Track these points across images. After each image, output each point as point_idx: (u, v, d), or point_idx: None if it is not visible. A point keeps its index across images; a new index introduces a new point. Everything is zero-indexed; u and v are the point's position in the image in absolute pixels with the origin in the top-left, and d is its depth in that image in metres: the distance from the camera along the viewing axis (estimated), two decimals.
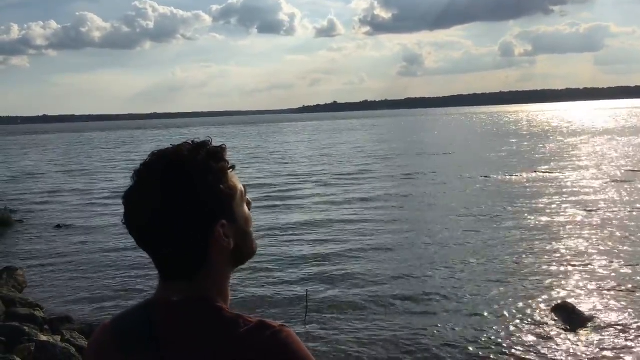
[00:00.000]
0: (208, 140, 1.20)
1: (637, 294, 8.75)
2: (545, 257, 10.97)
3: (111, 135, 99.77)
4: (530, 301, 8.66)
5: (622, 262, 10.39)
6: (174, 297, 1.15)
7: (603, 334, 7.43)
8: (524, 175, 23.00)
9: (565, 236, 12.55)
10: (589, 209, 15.39)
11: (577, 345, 7.19)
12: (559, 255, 11.06)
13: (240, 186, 1.22)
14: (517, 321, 7.94)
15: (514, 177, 22.41)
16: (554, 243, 11.94)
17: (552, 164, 26.94)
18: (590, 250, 11.30)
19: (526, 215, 14.98)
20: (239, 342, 1.08)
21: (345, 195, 19.51)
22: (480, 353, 7.09)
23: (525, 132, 57.64)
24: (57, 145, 70.00)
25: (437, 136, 57.21)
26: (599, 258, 10.74)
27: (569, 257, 10.88)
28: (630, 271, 9.87)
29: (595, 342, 7.21)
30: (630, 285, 9.15)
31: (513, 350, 7.10)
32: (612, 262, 10.45)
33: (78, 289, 10.24)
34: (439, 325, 7.94)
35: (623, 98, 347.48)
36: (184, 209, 1.12)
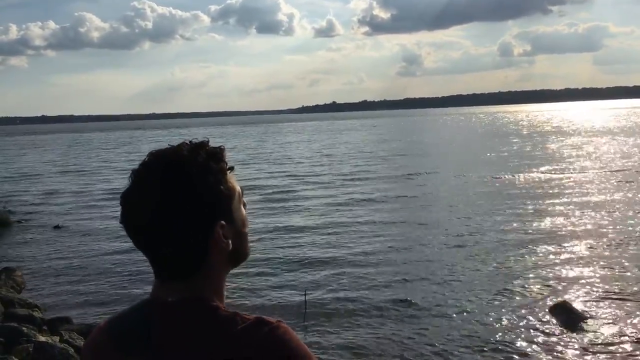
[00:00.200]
0: (206, 141, 1.20)
1: (635, 294, 8.75)
2: (544, 257, 10.98)
3: (110, 136, 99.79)
4: (528, 301, 8.66)
5: (621, 263, 10.40)
6: (170, 297, 1.14)
7: (601, 333, 7.43)
8: (524, 175, 23.02)
9: (564, 236, 12.56)
10: (589, 209, 15.40)
11: (576, 344, 7.19)
12: (558, 255, 11.07)
13: (238, 187, 1.22)
14: (515, 321, 7.95)
15: (513, 178, 22.43)
16: (553, 243, 11.94)
17: (552, 164, 26.96)
18: (589, 250, 11.31)
19: (526, 215, 14.98)
20: (236, 340, 1.08)
21: (345, 196, 19.51)
22: (479, 353, 7.09)
23: (525, 132, 57.69)
24: (56, 145, 69.98)
25: (437, 136, 57.24)
26: (598, 258, 10.74)
27: (567, 257, 10.89)
28: (629, 271, 9.88)
29: (594, 342, 7.21)
30: (628, 285, 9.16)
31: (511, 350, 7.10)
32: (611, 262, 10.46)
33: (77, 290, 10.24)
34: (438, 325, 7.95)
35: (622, 98, 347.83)
36: (184, 209, 1.12)
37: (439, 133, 63.92)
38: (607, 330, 7.52)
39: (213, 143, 1.21)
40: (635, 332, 7.42)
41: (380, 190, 20.60)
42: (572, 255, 11.01)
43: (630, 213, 14.70)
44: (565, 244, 11.83)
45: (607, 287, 9.17)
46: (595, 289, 9.09)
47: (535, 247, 11.66)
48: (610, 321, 7.81)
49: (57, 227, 15.94)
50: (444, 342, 7.41)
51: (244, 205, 1.25)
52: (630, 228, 12.99)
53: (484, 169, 25.42)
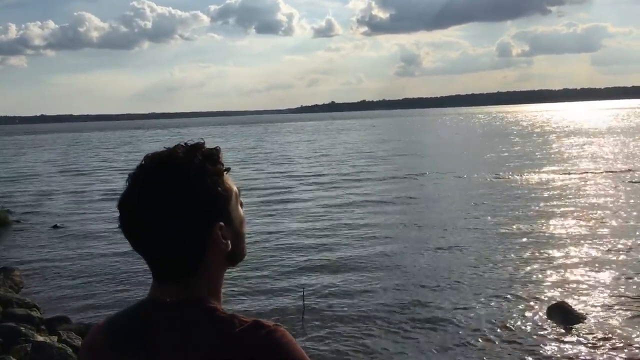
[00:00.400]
0: (202, 142, 1.20)
1: (633, 294, 8.76)
2: (543, 257, 10.98)
3: (109, 135, 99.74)
4: (526, 301, 8.67)
5: (620, 263, 10.41)
6: (168, 298, 1.15)
7: (599, 333, 7.44)
8: (524, 176, 23.04)
9: (563, 237, 12.58)
10: (588, 209, 15.42)
11: (573, 344, 7.20)
12: (557, 255, 11.07)
13: (235, 188, 1.23)
14: (513, 321, 7.95)
15: (513, 178, 22.44)
16: (552, 244, 11.96)
17: (552, 164, 26.98)
18: (588, 251, 11.32)
19: (525, 216, 15.00)
20: (233, 342, 1.08)
21: (344, 197, 19.52)
22: (478, 353, 7.09)
23: (525, 132, 57.72)
24: (55, 145, 69.95)
25: (436, 136, 57.27)
26: (596, 258, 10.76)
27: (566, 258, 10.90)
28: (627, 272, 9.89)
29: (591, 342, 7.22)
30: (626, 286, 9.17)
31: (509, 350, 7.11)
32: (610, 262, 10.48)
33: (75, 290, 10.23)
34: (436, 327, 7.95)
35: (620, 98, 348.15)
36: (181, 211, 1.12)
37: (437, 133, 63.95)
38: (605, 331, 7.52)
39: (211, 143, 1.21)
40: (634, 333, 7.43)
41: (379, 190, 20.61)
42: (571, 256, 11.02)
43: (630, 214, 14.71)
44: (565, 245, 11.83)
45: (606, 287, 9.18)
46: (594, 290, 9.10)
47: (534, 248, 11.66)
48: (608, 322, 7.81)
49: (55, 226, 15.93)
50: (442, 344, 7.41)
51: (241, 205, 1.25)
52: (629, 229, 13.00)
53: (483, 169, 25.43)
